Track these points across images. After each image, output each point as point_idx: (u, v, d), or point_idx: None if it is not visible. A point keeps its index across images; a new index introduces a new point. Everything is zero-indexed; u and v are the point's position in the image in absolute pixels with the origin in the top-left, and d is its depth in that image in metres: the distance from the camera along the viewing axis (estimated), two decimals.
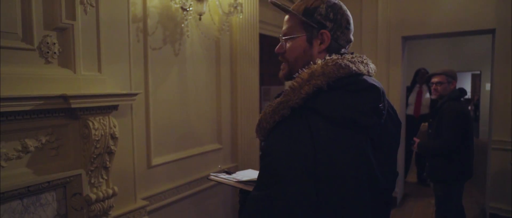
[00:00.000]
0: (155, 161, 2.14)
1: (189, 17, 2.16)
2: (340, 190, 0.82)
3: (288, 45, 0.96)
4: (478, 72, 8.35)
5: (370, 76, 0.91)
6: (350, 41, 0.97)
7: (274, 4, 0.99)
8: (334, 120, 0.82)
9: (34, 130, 1.41)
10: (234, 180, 1.11)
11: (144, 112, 2.06)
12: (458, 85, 2.75)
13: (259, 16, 2.97)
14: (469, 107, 8.71)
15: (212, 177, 1.17)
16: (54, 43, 1.46)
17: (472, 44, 7.49)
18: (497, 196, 3.48)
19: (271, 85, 3.80)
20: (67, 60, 1.50)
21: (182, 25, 2.24)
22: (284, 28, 0.99)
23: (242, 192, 1.09)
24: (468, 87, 9.91)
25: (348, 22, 0.95)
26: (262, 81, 3.35)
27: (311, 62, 0.89)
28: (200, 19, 2.27)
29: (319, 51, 0.93)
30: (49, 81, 1.42)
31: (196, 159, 2.48)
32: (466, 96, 2.71)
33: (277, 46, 1.00)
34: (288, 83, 0.91)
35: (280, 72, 1.01)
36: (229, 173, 1.20)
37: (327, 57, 0.88)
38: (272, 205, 0.79)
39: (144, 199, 2.01)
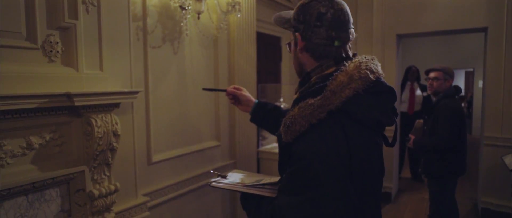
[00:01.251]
0: (155, 157, 2.17)
1: (188, 16, 2.19)
2: (370, 186, 0.92)
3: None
4: (472, 69, 8.46)
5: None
6: (330, 37, 0.93)
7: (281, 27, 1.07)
8: (363, 121, 0.87)
9: (38, 127, 1.43)
10: (240, 184, 1.09)
11: (144, 110, 2.09)
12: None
13: (256, 14, 3.00)
14: (463, 104, 8.82)
15: (214, 184, 1.13)
16: (57, 42, 1.49)
17: (465, 42, 7.59)
18: (488, 191, 3.57)
19: (268, 83, 3.84)
20: (69, 59, 1.53)
21: (181, 24, 2.27)
22: None
23: (245, 196, 1.07)
24: (461, 84, 10.04)
25: (318, 19, 0.93)
26: (259, 79, 3.39)
27: (302, 63, 1.00)
28: (198, 18, 2.30)
29: (300, 53, 0.99)
30: (52, 79, 1.45)
31: (195, 156, 2.52)
32: (460, 94, 2.77)
33: None
34: (331, 86, 0.88)
35: None
36: (223, 177, 1.19)
37: (355, 60, 0.92)
38: (317, 208, 0.81)
39: (145, 195, 2.04)
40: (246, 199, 1.07)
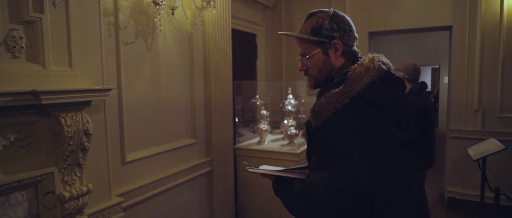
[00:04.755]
0: (130, 157, 2.11)
1: (162, 12, 2.13)
2: (388, 163, 1.02)
3: (309, 63, 1.14)
4: (437, 66, 8.86)
5: None
6: (355, 38, 1.15)
7: (285, 35, 1.18)
8: (381, 106, 1.02)
9: (2, 127, 1.35)
10: (274, 171, 1.21)
11: (117, 108, 2.02)
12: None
13: (231, 11, 2.98)
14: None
15: (251, 170, 1.26)
16: (21, 37, 1.40)
17: (431, 40, 7.93)
18: (454, 181, 3.76)
19: (243, 80, 3.83)
20: (35, 55, 1.45)
21: (155, 19, 2.21)
22: (299, 50, 1.16)
23: (278, 180, 1.18)
24: (428, 80, 10.49)
25: (350, 25, 1.12)
26: (235, 76, 3.37)
27: (334, 68, 1.11)
28: (172, 14, 2.24)
29: (336, 58, 1.12)
30: (17, 76, 1.37)
31: (170, 154, 2.47)
32: (427, 89, 2.89)
33: (300, 65, 1.17)
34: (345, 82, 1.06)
35: (309, 83, 1.19)
36: (256, 167, 1.29)
37: (369, 55, 1.09)
38: (345, 180, 0.94)
39: (119, 195, 1.98)
40: (278, 183, 1.19)
